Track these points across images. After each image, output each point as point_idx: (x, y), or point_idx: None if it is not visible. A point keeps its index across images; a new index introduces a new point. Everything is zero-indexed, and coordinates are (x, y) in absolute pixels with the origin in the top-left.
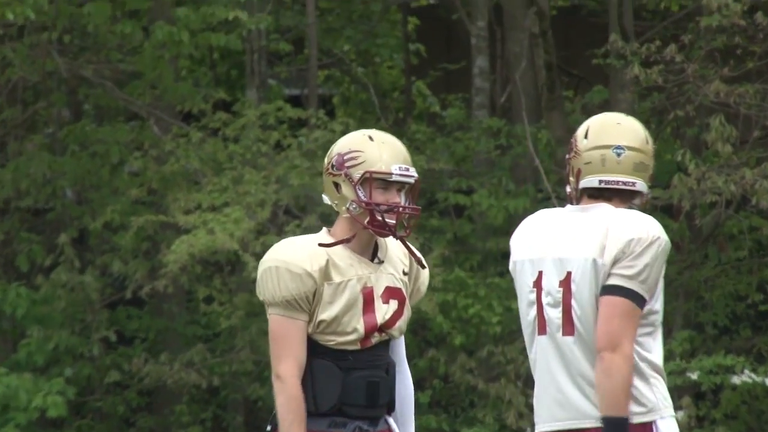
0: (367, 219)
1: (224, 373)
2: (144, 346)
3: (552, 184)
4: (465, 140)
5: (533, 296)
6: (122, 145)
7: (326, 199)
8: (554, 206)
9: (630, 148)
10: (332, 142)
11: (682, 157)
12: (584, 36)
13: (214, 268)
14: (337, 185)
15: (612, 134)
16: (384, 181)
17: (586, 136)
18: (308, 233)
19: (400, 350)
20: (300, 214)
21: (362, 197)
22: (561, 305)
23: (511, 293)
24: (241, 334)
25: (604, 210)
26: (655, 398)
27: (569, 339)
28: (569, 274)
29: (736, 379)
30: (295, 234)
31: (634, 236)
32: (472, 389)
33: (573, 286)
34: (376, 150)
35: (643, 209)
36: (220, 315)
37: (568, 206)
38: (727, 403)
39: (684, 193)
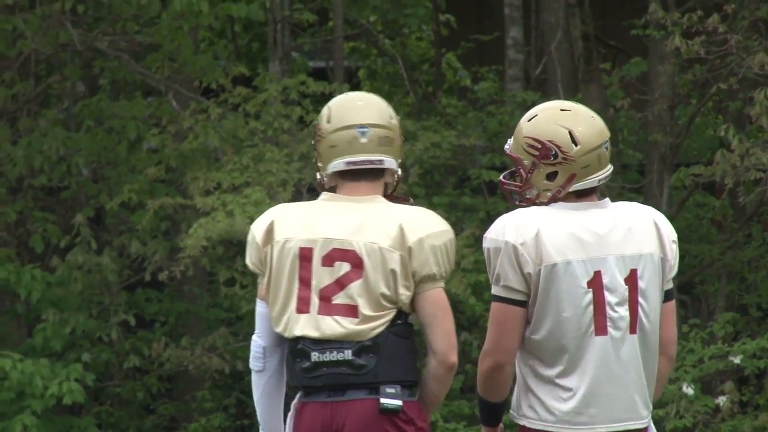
0: None
1: (248, 358)
2: (164, 329)
3: None
4: (498, 115)
5: (590, 297)
6: (139, 121)
7: (392, 164)
8: None
9: (610, 141)
10: None
11: (725, 132)
12: (622, 5)
13: (237, 248)
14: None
15: (596, 132)
16: None
17: (575, 142)
18: None
19: None
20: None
21: None
22: (627, 303)
23: None
24: None
25: (625, 204)
26: None
27: (634, 337)
28: (633, 271)
29: None
30: None
31: (675, 237)
32: None
33: (641, 284)
34: None
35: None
36: (242, 298)
37: (560, 203)
38: None
39: (727, 169)
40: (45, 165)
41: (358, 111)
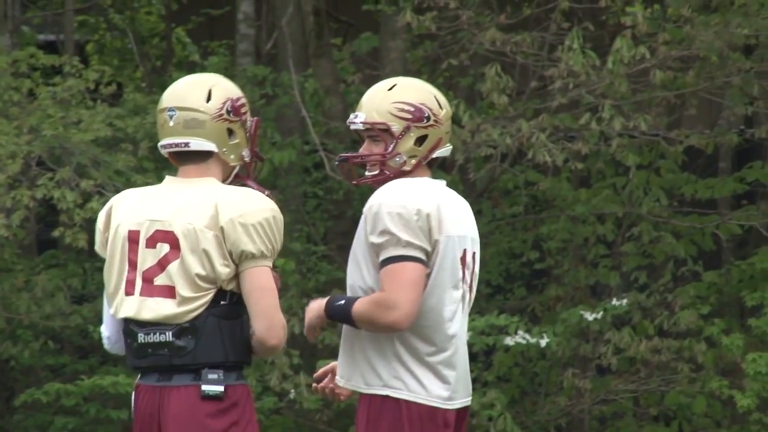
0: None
1: None
2: None
3: (319, 135)
4: None
5: (460, 273)
6: None
7: (205, 146)
8: (321, 159)
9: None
10: (88, 91)
11: (456, 108)
12: None
13: None
14: (231, 132)
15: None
16: None
17: (440, 107)
18: (62, 186)
19: None
20: (54, 166)
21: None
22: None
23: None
24: None
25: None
26: None
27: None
28: (465, 251)
29: (509, 340)
30: (47, 187)
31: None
32: None
33: (475, 265)
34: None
35: None
36: None
37: (427, 179)
38: (499, 365)
39: (457, 145)
40: None
41: (171, 93)
